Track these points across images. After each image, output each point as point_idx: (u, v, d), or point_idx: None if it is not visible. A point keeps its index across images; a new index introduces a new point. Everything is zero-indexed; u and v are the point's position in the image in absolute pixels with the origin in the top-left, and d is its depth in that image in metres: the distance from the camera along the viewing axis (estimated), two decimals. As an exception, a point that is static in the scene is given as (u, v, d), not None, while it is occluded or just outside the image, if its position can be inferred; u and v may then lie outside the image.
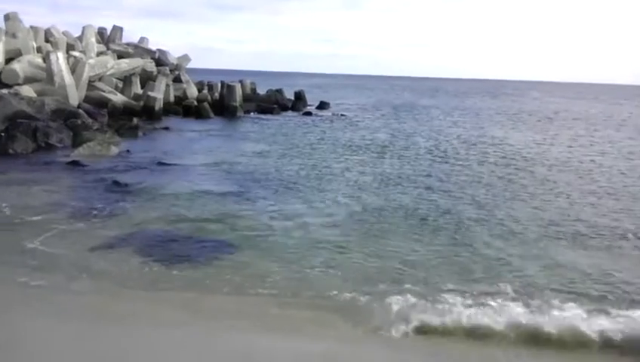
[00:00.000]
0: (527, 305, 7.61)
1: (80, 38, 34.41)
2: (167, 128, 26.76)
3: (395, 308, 7.36)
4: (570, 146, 25.84)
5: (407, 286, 8.22)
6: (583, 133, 32.28)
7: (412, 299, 7.61)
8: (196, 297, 7.79)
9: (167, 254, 9.36)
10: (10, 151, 17.78)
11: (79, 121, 21.89)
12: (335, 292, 7.93)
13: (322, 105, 44.80)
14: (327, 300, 7.72)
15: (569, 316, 7.30)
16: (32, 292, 7.67)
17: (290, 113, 39.76)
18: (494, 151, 23.09)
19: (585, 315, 7.30)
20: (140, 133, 24.02)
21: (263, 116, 35.71)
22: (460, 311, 7.32)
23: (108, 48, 35.56)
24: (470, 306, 7.48)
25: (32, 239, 9.72)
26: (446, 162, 19.94)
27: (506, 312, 7.36)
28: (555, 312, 7.41)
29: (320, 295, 7.89)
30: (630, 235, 11.26)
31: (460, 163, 19.83)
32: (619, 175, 18.35)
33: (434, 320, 7.09)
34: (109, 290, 7.87)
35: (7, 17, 29.60)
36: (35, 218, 10.97)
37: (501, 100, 74.63)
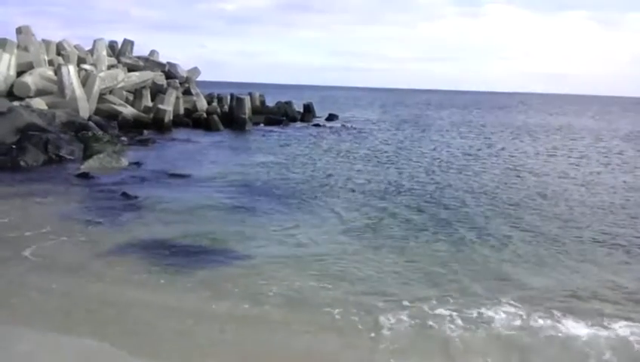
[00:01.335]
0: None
1: (91, 52, 34.75)
2: (177, 140, 26.90)
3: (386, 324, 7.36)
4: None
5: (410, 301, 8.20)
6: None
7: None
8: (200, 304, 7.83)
9: (173, 263, 9.40)
10: (22, 163, 17.90)
11: (90, 134, 22.04)
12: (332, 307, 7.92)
13: (331, 117, 44.93)
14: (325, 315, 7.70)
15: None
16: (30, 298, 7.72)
17: (298, 125, 39.94)
18: (499, 163, 23.04)
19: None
20: (150, 145, 24.17)
21: (271, 128, 35.85)
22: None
23: (119, 61, 35.89)
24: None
25: (35, 247, 9.81)
26: (451, 172, 19.92)
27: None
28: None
29: (318, 309, 7.88)
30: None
31: (466, 174, 19.80)
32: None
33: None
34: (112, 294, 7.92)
35: (19, 31, 29.96)
36: (41, 228, 11.02)
37: (507, 113, 74.54)
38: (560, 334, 7.23)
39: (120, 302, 7.83)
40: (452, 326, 7.32)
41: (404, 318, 7.46)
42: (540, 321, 7.54)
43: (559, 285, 9.07)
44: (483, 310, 7.85)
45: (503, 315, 7.70)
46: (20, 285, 8.28)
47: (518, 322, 7.55)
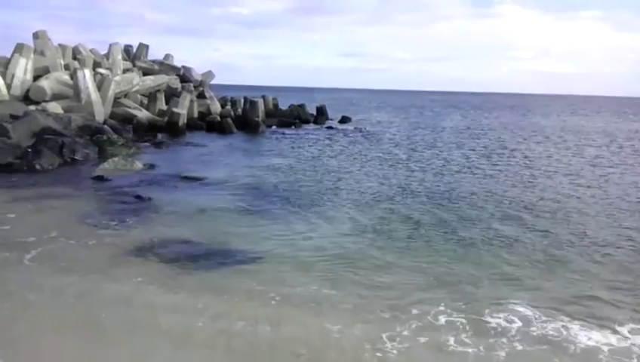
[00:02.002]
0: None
1: (107, 56, 35.13)
2: (191, 143, 27.08)
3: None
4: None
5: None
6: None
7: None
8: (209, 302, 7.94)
9: (186, 265, 9.54)
10: (37, 166, 18.14)
11: (105, 137, 22.30)
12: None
13: (344, 120, 44.99)
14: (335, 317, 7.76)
15: None
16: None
17: (311, 127, 40.07)
18: (511, 165, 22.98)
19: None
20: (164, 149, 24.38)
21: (284, 130, 36.01)
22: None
23: (134, 65, 36.26)
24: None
25: (49, 248, 9.98)
26: (462, 174, 19.90)
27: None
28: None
29: (329, 310, 7.94)
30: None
31: (478, 176, 19.78)
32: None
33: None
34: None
35: (36, 35, 30.40)
36: (55, 230, 11.18)
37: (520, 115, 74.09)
38: (575, 341, 7.18)
39: (131, 302, 7.95)
40: (464, 336, 7.25)
41: (412, 324, 7.45)
42: (557, 328, 7.50)
43: (575, 289, 9.05)
44: (492, 315, 7.87)
45: (518, 322, 7.67)
46: (35, 285, 8.44)
47: (532, 329, 7.52)
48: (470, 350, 6.83)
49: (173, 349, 6.66)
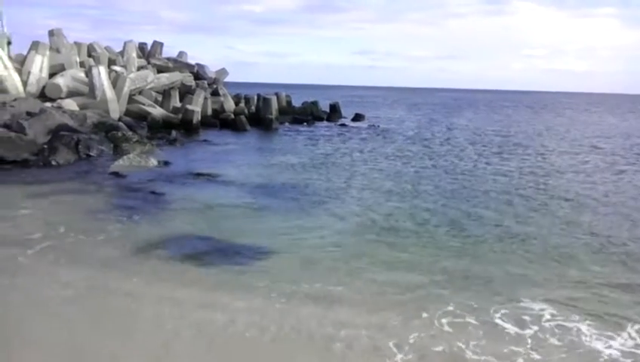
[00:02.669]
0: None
1: (121, 53, 35.38)
2: (204, 141, 27.21)
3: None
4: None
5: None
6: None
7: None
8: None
9: (198, 259, 9.67)
10: (53, 162, 18.34)
11: (120, 134, 22.46)
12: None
13: (357, 117, 44.92)
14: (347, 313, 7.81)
15: None
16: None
17: (324, 124, 40.13)
18: (525, 163, 22.88)
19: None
20: (179, 146, 24.52)
21: (297, 127, 36.07)
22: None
23: (148, 62, 36.49)
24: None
25: (63, 242, 10.13)
26: (475, 172, 19.86)
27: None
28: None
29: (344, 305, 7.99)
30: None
31: (491, 174, 19.73)
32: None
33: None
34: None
35: (51, 33, 30.69)
36: (71, 225, 11.35)
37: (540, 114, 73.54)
38: (589, 344, 7.14)
39: (145, 296, 8.05)
40: (474, 337, 7.25)
41: (419, 325, 7.42)
42: (569, 329, 7.45)
43: (587, 288, 9.02)
44: (502, 315, 7.87)
45: (529, 325, 7.64)
46: (44, 278, 8.57)
47: (543, 329, 7.53)
48: (482, 356, 6.71)
49: (182, 343, 6.73)
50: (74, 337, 6.78)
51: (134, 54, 35.72)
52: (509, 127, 43.45)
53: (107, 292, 8.15)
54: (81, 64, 30.70)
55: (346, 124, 40.70)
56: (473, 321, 7.49)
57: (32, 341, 6.66)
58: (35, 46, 27.61)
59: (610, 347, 6.92)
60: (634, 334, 7.28)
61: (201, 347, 6.66)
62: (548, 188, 17.33)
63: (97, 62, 30.48)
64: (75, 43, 32.94)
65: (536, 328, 7.38)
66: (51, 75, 27.77)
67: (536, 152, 26.85)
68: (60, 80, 27.17)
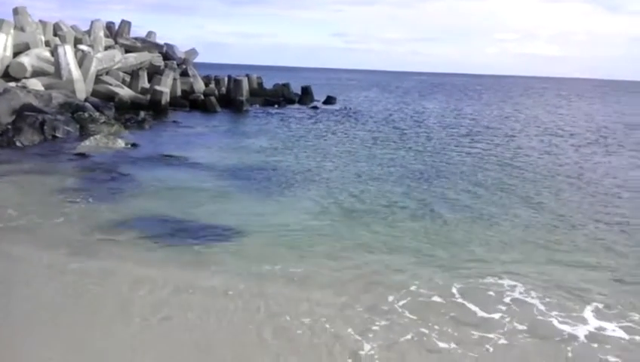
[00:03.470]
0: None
1: (88, 32, 34.66)
2: (173, 122, 26.91)
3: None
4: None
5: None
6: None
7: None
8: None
9: (164, 239, 9.64)
10: (18, 143, 17.99)
11: (86, 115, 22.10)
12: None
13: (329, 100, 44.81)
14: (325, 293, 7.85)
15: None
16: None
17: (296, 106, 39.98)
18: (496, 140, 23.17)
19: None
20: (147, 127, 24.23)
21: (268, 110, 35.88)
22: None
23: (116, 42, 35.79)
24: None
25: (29, 223, 9.99)
26: (450, 155, 20.06)
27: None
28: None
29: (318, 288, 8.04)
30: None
31: (465, 154, 19.95)
32: None
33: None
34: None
35: (15, 11, 29.88)
36: (34, 206, 11.20)
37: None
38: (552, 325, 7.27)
39: (111, 276, 7.99)
40: (441, 326, 7.37)
41: (390, 306, 7.49)
42: (540, 311, 7.53)
43: (554, 269, 9.21)
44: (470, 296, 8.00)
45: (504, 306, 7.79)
46: (8, 260, 8.45)
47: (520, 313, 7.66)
48: (450, 343, 6.66)
49: (149, 323, 6.70)
50: (43, 319, 6.70)
51: (101, 34, 34.98)
52: (480, 111, 43.85)
53: (65, 273, 8.08)
54: (47, 43, 29.98)
55: (318, 106, 40.60)
56: (439, 304, 7.49)
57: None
58: (-2, 24, 26.87)
59: (577, 328, 6.97)
60: (601, 314, 7.36)
61: (169, 326, 6.65)
62: (515, 170, 17.60)
63: (63, 41, 29.79)
64: (40, 21, 32.12)
65: (504, 309, 7.42)
66: (15, 54, 27.09)
67: (504, 135, 27.20)
68: (25, 59, 26.51)
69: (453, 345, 6.44)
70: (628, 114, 45.91)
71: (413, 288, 7.91)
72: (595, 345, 6.61)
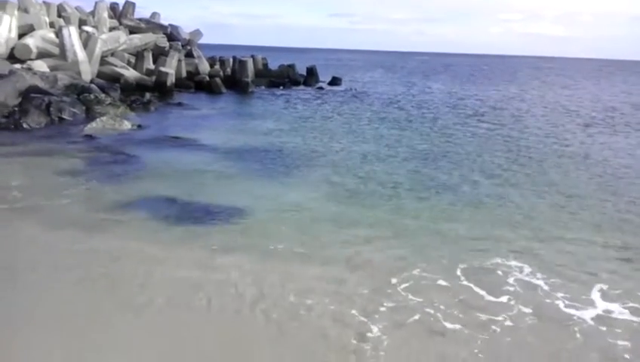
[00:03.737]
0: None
1: (92, 14, 34.52)
2: (179, 104, 26.86)
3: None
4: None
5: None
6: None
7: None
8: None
9: (172, 219, 9.71)
10: (24, 125, 18.02)
11: (92, 96, 22.09)
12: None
13: (334, 81, 44.63)
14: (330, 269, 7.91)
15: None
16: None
17: (301, 87, 39.82)
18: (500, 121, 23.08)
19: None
20: (152, 109, 24.21)
21: (273, 91, 35.77)
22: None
23: (120, 23, 35.67)
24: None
25: (37, 204, 10.08)
26: (454, 137, 20.01)
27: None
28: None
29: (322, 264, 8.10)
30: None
31: (470, 135, 19.90)
32: None
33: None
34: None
35: (19, -8, 29.72)
36: (42, 187, 11.28)
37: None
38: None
39: (120, 255, 8.07)
40: (447, 309, 7.40)
41: (390, 287, 7.52)
42: (546, 293, 7.57)
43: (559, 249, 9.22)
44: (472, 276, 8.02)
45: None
46: (22, 240, 8.52)
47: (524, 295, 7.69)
48: (456, 324, 6.63)
49: (159, 301, 6.76)
50: (50, 295, 6.78)
51: (106, 15, 34.84)
52: (486, 91, 43.61)
53: (69, 254, 8.15)
54: (51, 24, 29.89)
55: (323, 87, 40.47)
56: (445, 287, 7.50)
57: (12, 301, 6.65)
58: (2, 6, 26.73)
59: (584, 311, 6.95)
60: (607, 297, 7.36)
61: (177, 303, 6.72)
62: (522, 150, 17.56)
63: (67, 22, 29.69)
64: (44, 3, 32.03)
65: (510, 291, 7.43)
66: (20, 35, 27.02)
67: (510, 115, 27.08)
68: (30, 40, 26.45)
69: (459, 327, 6.48)
70: (635, 94, 45.59)
71: (417, 270, 7.94)
72: (604, 328, 6.62)
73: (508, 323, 6.64)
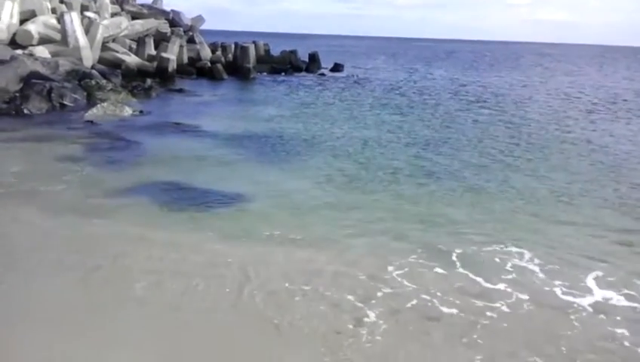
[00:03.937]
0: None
1: (94, -1, 34.37)
2: (180, 90, 26.82)
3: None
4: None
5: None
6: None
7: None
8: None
9: (172, 204, 9.75)
10: (25, 111, 18.04)
11: (93, 82, 22.07)
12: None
13: (336, 67, 44.46)
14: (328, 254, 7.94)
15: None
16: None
17: (303, 74, 39.70)
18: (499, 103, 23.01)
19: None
20: (153, 95, 24.18)
21: (275, 77, 35.68)
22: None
23: (122, 9, 35.51)
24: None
25: (38, 190, 10.11)
26: (453, 126, 19.96)
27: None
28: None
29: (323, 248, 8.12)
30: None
31: (471, 121, 19.86)
32: None
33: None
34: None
35: (20, -22, 29.57)
36: (43, 173, 11.32)
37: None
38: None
39: (119, 240, 8.11)
40: (444, 295, 7.43)
41: (386, 273, 7.51)
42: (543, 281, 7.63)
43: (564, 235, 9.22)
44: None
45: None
46: (20, 225, 8.56)
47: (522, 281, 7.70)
48: (453, 308, 6.70)
49: (159, 288, 6.81)
50: (53, 282, 6.82)
51: (107, 0, 34.72)
52: (488, 77, 43.45)
53: (64, 238, 8.20)
54: (53, 10, 29.76)
55: (325, 73, 40.35)
56: (442, 274, 7.49)
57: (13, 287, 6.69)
58: (3, -9, 26.65)
59: (581, 297, 6.96)
60: (605, 284, 7.36)
61: (178, 288, 6.76)
62: (523, 136, 17.52)
63: (69, 8, 29.55)
64: (46, -12, 31.89)
65: (507, 278, 7.42)
66: (22, 21, 26.93)
67: (513, 101, 27.00)
68: (32, 26, 26.36)
69: (455, 313, 6.50)
70: (637, 80, 45.39)
71: (414, 256, 7.95)
72: (602, 316, 6.62)
73: (505, 309, 6.64)
